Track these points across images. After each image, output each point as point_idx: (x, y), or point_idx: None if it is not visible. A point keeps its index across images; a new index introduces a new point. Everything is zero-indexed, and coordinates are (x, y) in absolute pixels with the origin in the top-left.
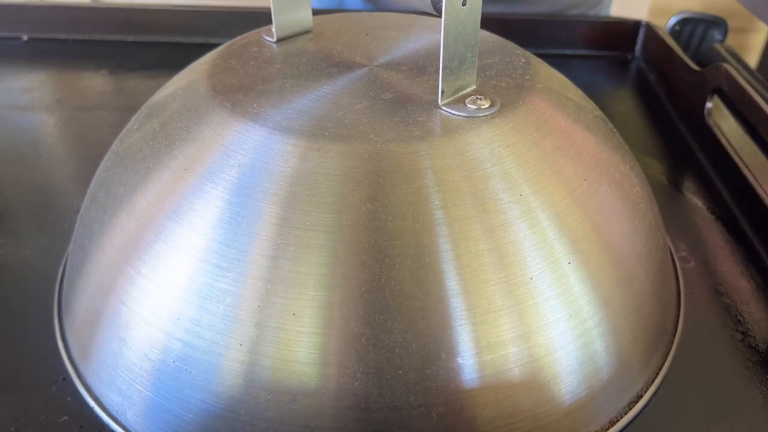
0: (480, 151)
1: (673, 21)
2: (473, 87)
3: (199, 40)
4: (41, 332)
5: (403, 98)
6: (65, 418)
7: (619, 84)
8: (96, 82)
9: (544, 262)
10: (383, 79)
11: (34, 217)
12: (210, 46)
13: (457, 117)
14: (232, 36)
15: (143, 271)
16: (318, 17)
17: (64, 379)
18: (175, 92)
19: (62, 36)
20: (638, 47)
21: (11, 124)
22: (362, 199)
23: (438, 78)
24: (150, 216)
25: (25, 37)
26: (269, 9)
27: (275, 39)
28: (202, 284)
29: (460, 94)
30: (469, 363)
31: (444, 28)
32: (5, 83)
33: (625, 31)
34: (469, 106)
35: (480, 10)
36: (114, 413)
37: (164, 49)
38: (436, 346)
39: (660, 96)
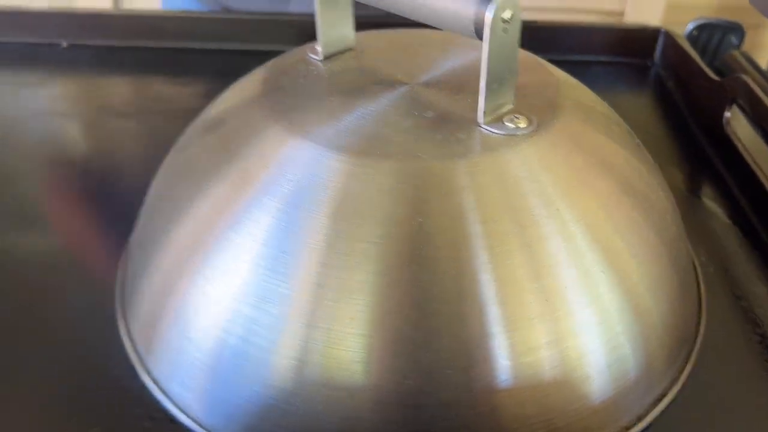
0: (518, 168)
1: (690, 26)
2: (511, 106)
3: (231, 46)
4: (106, 331)
5: (444, 116)
6: (138, 411)
7: (638, 91)
8: (135, 89)
9: (577, 273)
10: (424, 97)
11: (84, 223)
12: (243, 53)
13: (496, 135)
14: (263, 42)
15: (204, 273)
16: (359, 34)
17: (131, 374)
18: (232, 109)
19: (100, 43)
20: (657, 54)
21: (56, 130)
22: (408, 213)
23: (476, 96)
24: (211, 223)
25: (64, 44)
26: (295, 17)
27: (321, 57)
28: (259, 287)
29: (499, 112)
30: (507, 365)
31: (486, 52)
32: (47, 90)
33: (644, 38)
34: (507, 124)
35: (519, 32)
36: (180, 405)
37: (200, 55)
38: (478, 350)
39: (678, 103)
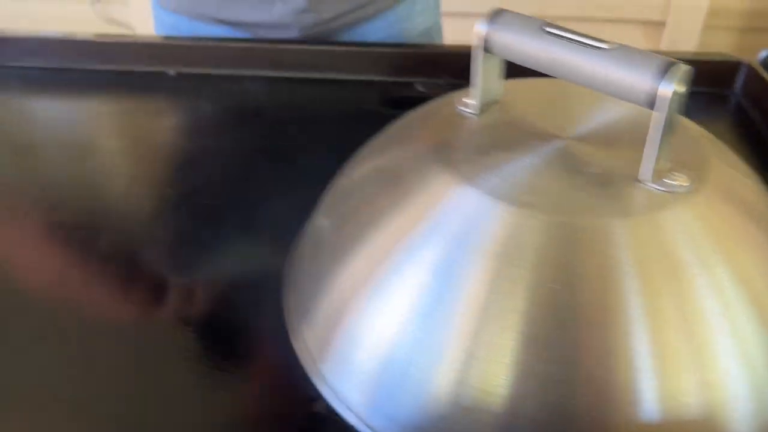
0: (679, 225)
1: (764, 54)
2: (669, 163)
3: (331, 76)
4: (277, 339)
5: (604, 172)
6: (310, 410)
7: (716, 120)
8: (242, 116)
9: (728, 326)
10: (580, 152)
11: (239, 246)
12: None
13: (659, 192)
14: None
15: (379, 296)
16: (506, 84)
17: (305, 376)
18: (405, 158)
19: (209, 71)
20: (738, 85)
21: (185, 158)
22: (567, 263)
23: (632, 152)
24: (386, 254)
25: (172, 72)
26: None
27: (476, 111)
28: (425, 313)
29: (659, 169)
30: (653, 410)
31: (662, 122)
32: (162, 118)
33: (721, 69)
34: (668, 181)
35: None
36: (350, 406)
37: (304, 84)
38: (625, 392)
39: (763, 134)
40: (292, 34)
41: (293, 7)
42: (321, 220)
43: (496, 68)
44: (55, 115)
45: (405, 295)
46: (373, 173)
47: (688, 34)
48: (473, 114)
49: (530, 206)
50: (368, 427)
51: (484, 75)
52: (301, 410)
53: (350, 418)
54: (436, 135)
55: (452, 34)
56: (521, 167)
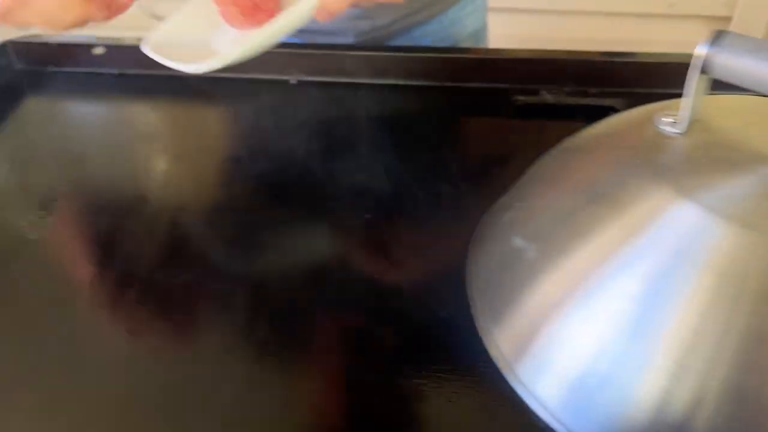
0: None
1: None
2: None
3: (456, 84)
4: (468, 340)
5: None
6: (505, 408)
7: None
8: (365, 126)
9: None
10: None
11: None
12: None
13: None
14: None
15: (585, 305)
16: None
17: (498, 374)
18: (611, 174)
19: (328, 79)
20: None
21: (301, 162)
22: None
23: None
24: (596, 264)
25: (293, 80)
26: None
27: (681, 130)
28: (635, 323)
29: None
30: None
31: None
32: (288, 126)
33: None
34: None
35: None
36: (546, 407)
37: (432, 92)
38: None
39: None
40: (348, 39)
41: (350, 13)
42: (516, 240)
43: (704, 88)
44: (174, 121)
45: (615, 304)
46: (572, 189)
47: (754, 30)
48: (678, 132)
49: (756, 228)
50: (564, 427)
51: (698, 97)
52: (493, 406)
53: (546, 417)
54: (643, 152)
55: (493, 28)
56: (741, 187)
